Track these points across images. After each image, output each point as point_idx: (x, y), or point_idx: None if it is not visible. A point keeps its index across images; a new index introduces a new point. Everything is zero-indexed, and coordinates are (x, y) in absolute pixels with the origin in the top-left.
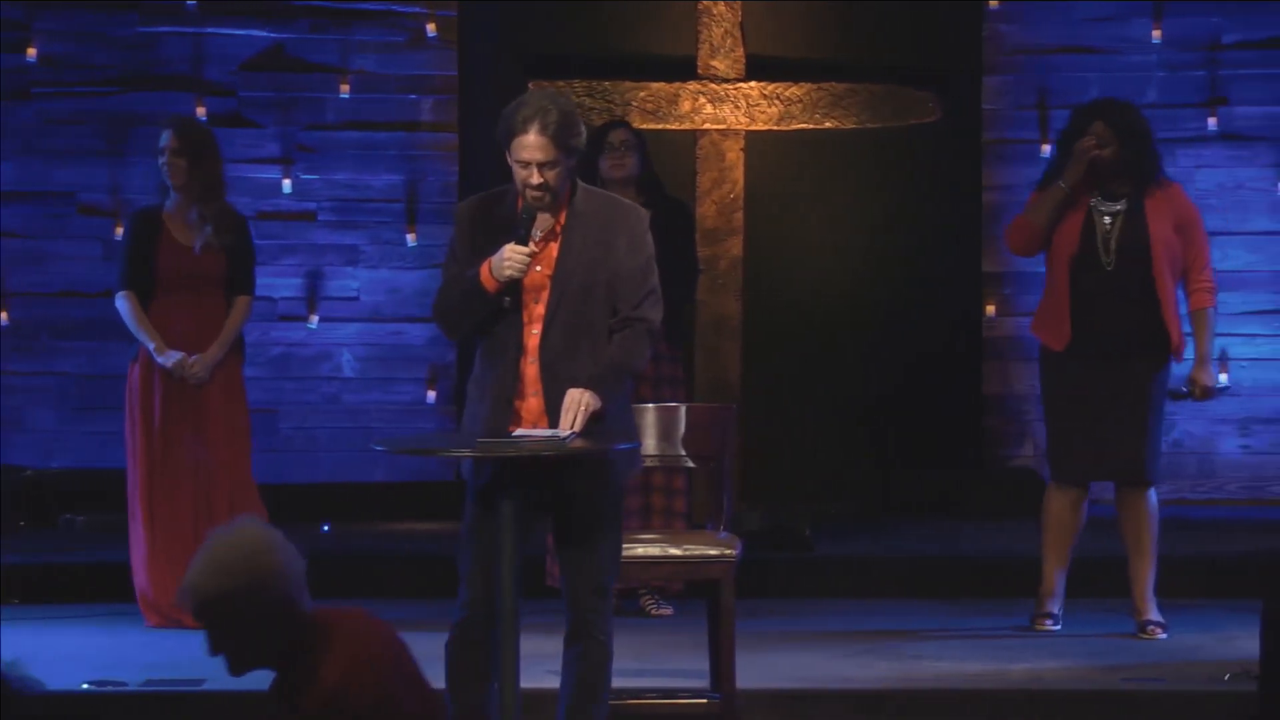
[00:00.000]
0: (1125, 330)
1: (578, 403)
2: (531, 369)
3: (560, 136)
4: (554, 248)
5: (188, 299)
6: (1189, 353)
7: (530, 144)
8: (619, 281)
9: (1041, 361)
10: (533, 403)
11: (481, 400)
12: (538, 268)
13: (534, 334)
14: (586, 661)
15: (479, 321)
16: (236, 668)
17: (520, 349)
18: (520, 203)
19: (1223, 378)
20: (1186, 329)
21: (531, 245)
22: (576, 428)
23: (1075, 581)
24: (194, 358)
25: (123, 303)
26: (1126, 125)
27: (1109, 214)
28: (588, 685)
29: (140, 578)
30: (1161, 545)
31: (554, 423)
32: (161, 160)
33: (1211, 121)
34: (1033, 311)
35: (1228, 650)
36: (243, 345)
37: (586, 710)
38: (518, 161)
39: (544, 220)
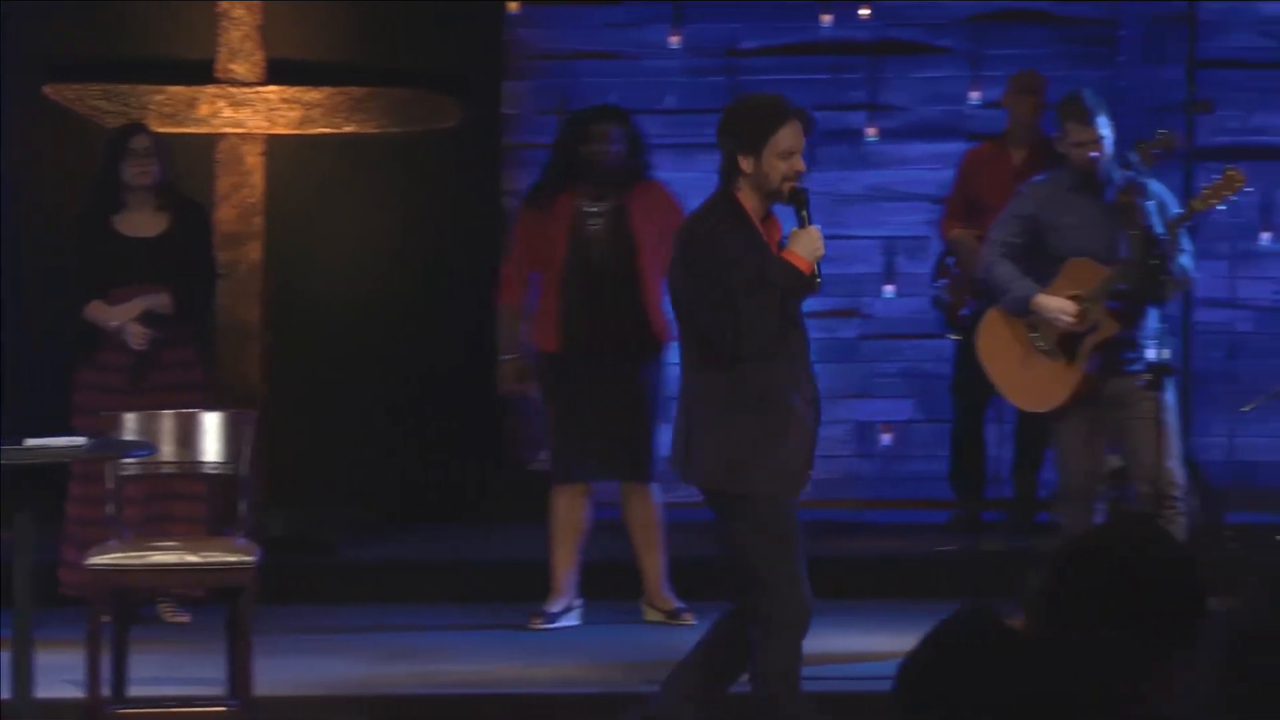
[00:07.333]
0: (615, 331)
1: None
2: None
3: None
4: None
5: None
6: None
7: (797, 131)
8: None
9: (539, 364)
10: None
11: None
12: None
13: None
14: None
15: None
16: None
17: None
18: (787, 189)
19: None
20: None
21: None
22: None
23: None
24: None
25: None
26: (630, 128)
27: (596, 215)
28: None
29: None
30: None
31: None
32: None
33: None
34: None
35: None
36: None
37: None
38: (780, 153)
39: None
